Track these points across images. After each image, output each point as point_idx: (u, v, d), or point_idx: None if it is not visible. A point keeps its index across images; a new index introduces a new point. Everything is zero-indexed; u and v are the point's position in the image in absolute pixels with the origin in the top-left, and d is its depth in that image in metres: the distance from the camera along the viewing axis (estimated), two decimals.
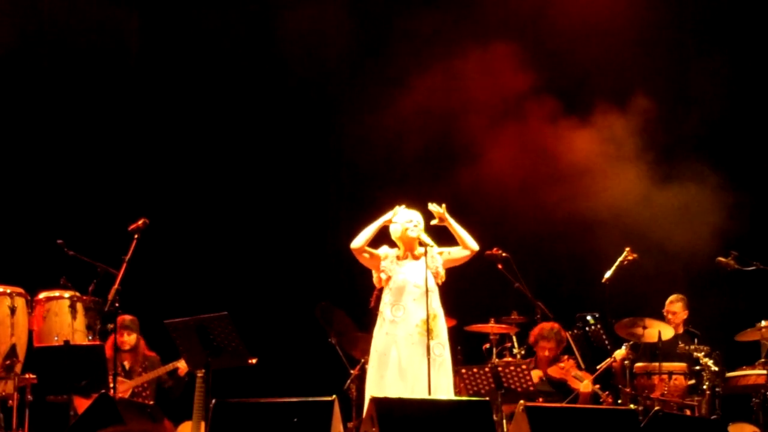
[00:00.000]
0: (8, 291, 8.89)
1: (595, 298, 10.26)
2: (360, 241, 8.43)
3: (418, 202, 8.59)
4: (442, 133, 11.80)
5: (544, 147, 11.61)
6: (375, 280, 8.53)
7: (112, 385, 8.39)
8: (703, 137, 11.51)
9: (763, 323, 9.76)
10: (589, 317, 9.98)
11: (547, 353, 10.04)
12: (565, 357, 10.08)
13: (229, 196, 11.95)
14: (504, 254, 9.89)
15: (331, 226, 12.07)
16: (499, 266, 9.93)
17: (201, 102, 11.95)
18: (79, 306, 9.07)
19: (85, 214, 11.28)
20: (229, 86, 12.05)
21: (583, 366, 9.99)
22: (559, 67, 11.75)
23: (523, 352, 10.09)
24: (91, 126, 11.66)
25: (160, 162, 11.85)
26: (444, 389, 8.25)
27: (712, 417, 9.49)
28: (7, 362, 8.65)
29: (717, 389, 9.67)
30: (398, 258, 8.50)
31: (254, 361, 8.41)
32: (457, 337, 9.45)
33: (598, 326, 9.93)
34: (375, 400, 7.16)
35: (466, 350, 10.16)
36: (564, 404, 9.46)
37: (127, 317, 9.53)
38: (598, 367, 9.98)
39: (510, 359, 9.94)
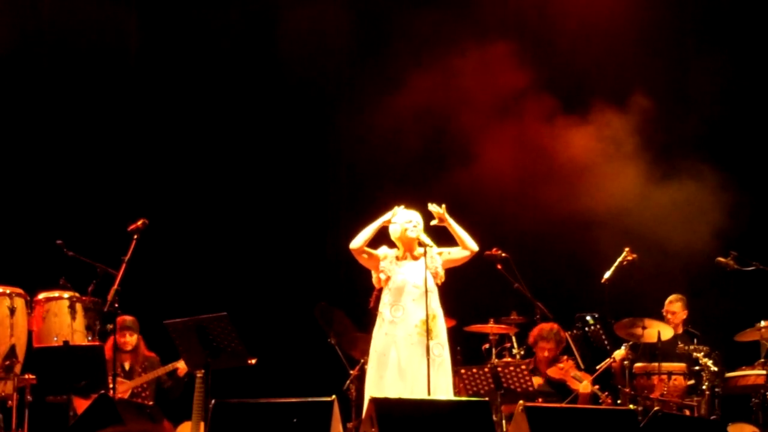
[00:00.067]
0: (7, 291, 8.88)
1: (595, 299, 10.25)
2: (359, 241, 8.43)
3: (418, 202, 8.58)
4: (441, 132, 11.81)
5: (543, 146, 11.61)
6: (374, 280, 8.53)
7: (111, 385, 8.38)
8: (703, 137, 11.50)
9: (763, 323, 9.76)
10: (588, 317, 9.98)
11: (546, 354, 10.03)
12: (565, 357, 10.08)
13: (229, 196, 11.95)
14: (503, 254, 9.88)
15: (331, 226, 12.08)
16: (499, 266, 9.93)
17: (200, 102, 11.94)
18: (78, 306, 9.06)
19: (85, 214, 11.28)
20: (228, 86, 12.04)
21: (582, 366, 9.99)
22: (559, 66, 11.75)
23: (522, 353, 10.09)
24: (90, 126, 11.66)
25: (159, 162, 11.85)
26: (443, 389, 8.25)
27: (712, 417, 9.50)
28: (7, 363, 8.63)
29: (716, 389, 9.67)
30: (397, 258, 8.50)
31: (253, 361, 8.41)
32: (456, 338, 9.45)
33: (598, 326, 9.93)
34: (374, 401, 7.16)
35: (466, 350, 10.15)
36: (563, 404, 9.46)
37: (128, 318, 9.53)
38: (597, 367, 9.97)
39: (509, 360, 9.93)
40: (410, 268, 8.45)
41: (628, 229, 10.94)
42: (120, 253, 8.71)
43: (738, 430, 9.57)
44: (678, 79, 11.81)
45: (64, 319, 9.01)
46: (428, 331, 8.22)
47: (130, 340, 9.57)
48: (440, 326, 8.39)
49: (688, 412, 9.65)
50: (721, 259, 10.17)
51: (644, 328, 9.82)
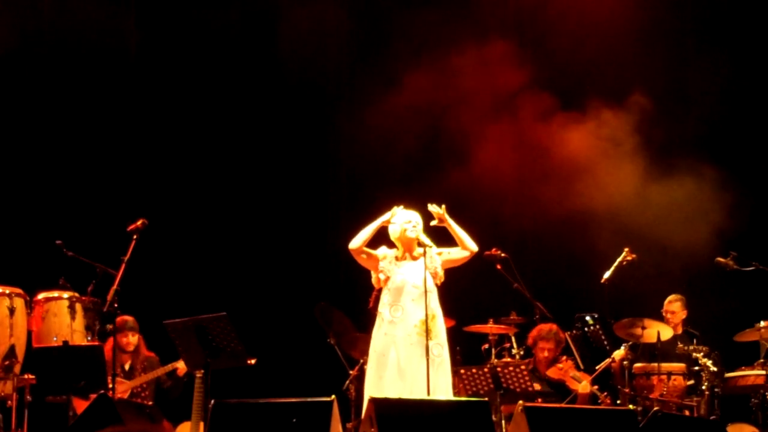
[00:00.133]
0: (7, 291, 8.87)
1: (594, 299, 10.25)
2: (358, 241, 8.43)
3: (417, 202, 8.58)
4: (441, 132, 11.80)
5: (543, 146, 11.61)
6: (374, 280, 8.53)
7: (111, 385, 8.38)
8: (703, 136, 11.51)
9: (762, 324, 9.77)
10: (588, 318, 9.97)
11: (546, 354, 10.04)
12: (564, 357, 10.08)
13: (228, 196, 11.95)
14: (503, 254, 9.88)
15: (331, 226, 12.08)
16: (498, 267, 9.93)
17: (200, 102, 11.94)
18: (78, 306, 9.06)
19: (84, 214, 11.28)
20: (228, 86, 12.04)
21: (582, 366, 9.99)
22: (558, 65, 11.75)
23: (521, 353, 10.09)
24: (90, 126, 11.65)
25: (159, 162, 11.84)
26: (443, 390, 8.25)
27: (711, 417, 9.50)
28: (6, 363, 8.63)
29: (716, 389, 9.67)
30: (397, 258, 8.50)
31: (253, 361, 8.41)
32: (455, 338, 9.45)
33: (597, 327, 9.92)
34: (374, 401, 7.16)
35: (465, 351, 10.15)
36: (563, 405, 9.46)
37: (130, 318, 9.53)
38: (596, 367, 9.97)
39: (509, 360, 9.93)
40: (409, 269, 8.45)
41: (628, 229, 10.94)
42: (119, 253, 8.71)
43: (737, 430, 9.57)
44: (678, 79, 11.81)
45: (64, 319, 9.01)
46: (428, 331, 8.23)
47: (133, 340, 9.57)
48: (440, 326, 8.38)
49: (687, 413, 9.66)
50: (720, 259, 10.17)
51: (644, 328, 9.82)
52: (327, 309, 10.21)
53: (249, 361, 8.35)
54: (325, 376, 10.22)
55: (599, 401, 9.79)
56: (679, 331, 10.27)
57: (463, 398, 8.94)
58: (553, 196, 11.39)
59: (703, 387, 9.67)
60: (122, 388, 9.27)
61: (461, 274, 8.79)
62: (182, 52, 11.98)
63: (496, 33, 11.72)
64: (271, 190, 12.02)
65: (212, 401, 7.13)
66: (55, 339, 8.85)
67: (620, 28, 11.59)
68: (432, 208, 8.47)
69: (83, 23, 11.67)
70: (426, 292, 8.27)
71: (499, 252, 9.87)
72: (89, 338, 9.09)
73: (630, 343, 9.92)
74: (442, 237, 8.56)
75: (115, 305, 8.61)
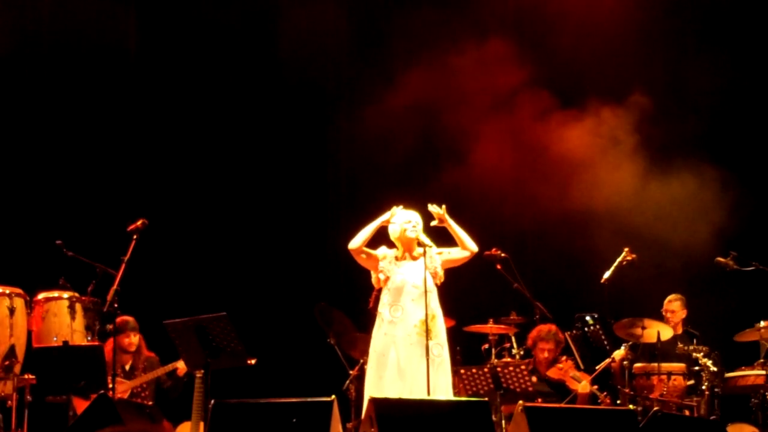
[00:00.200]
0: (7, 291, 8.87)
1: (594, 299, 10.25)
2: (357, 241, 8.43)
3: (417, 202, 8.58)
4: (442, 132, 11.80)
5: (544, 146, 11.61)
6: (374, 280, 8.53)
7: (111, 385, 8.38)
8: (702, 136, 11.50)
9: (762, 323, 9.76)
10: (588, 318, 9.98)
11: (546, 355, 10.04)
12: (564, 357, 10.08)
13: (228, 196, 11.95)
14: (503, 254, 9.88)
15: (331, 226, 12.08)
16: (498, 266, 9.93)
17: (200, 102, 11.94)
18: (78, 306, 9.05)
19: (85, 214, 11.28)
20: (227, 86, 12.04)
21: (582, 366, 9.99)
22: (558, 64, 11.75)
23: (522, 353, 10.08)
24: (90, 126, 11.65)
25: (159, 162, 11.84)
26: (443, 390, 8.25)
27: (711, 417, 9.50)
28: (6, 363, 8.63)
29: (716, 389, 9.67)
30: (397, 258, 8.50)
31: (253, 361, 8.40)
32: (455, 338, 9.45)
33: (597, 327, 9.92)
34: (374, 401, 7.16)
35: (465, 351, 10.15)
36: (563, 405, 9.46)
37: (130, 318, 9.53)
38: (596, 367, 9.97)
39: (509, 360, 9.93)
40: (409, 269, 8.44)
41: (628, 229, 10.95)
42: (119, 253, 8.71)
43: (737, 430, 9.57)
44: (678, 78, 11.80)
45: (64, 319, 9.00)
46: (427, 331, 8.22)
47: (134, 340, 9.57)
48: (439, 326, 8.38)
49: (687, 413, 9.66)
50: (720, 259, 10.17)
51: (644, 328, 9.82)
52: (327, 309, 10.21)
53: (249, 361, 8.35)
54: (325, 376, 10.22)
55: (599, 401, 9.80)
56: (679, 331, 10.28)
57: (463, 398, 8.94)
58: (553, 195, 11.39)
59: (703, 387, 9.67)
60: (122, 388, 9.27)
61: (461, 274, 8.79)
62: (182, 52, 11.98)
63: (495, 32, 11.72)
64: (271, 190, 12.02)
65: (212, 401, 7.14)
66: (55, 339, 8.85)
67: (620, 28, 11.59)
68: (432, 208, 8.47)
69: (83, 23, 11.67)
70: (426, 292, 8.27)
71: (499, 252, 9.87)
72: (89, 338, 9.08)
73: (630, 343, 9.93)
74: (442, 237, 8.56)
75: (115, 305, 8.61)
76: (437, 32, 11.87)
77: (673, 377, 9.84)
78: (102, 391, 7.94)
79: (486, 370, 9.30)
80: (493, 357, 9.91)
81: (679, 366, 9.90)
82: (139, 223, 8.85)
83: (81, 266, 9.25)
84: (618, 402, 9.70)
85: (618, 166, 11.34)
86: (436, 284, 8.44)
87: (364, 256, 8.48)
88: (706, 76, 11.51)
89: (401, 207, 8.49)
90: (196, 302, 9.34)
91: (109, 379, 8.38)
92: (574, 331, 10.00)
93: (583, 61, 11.67)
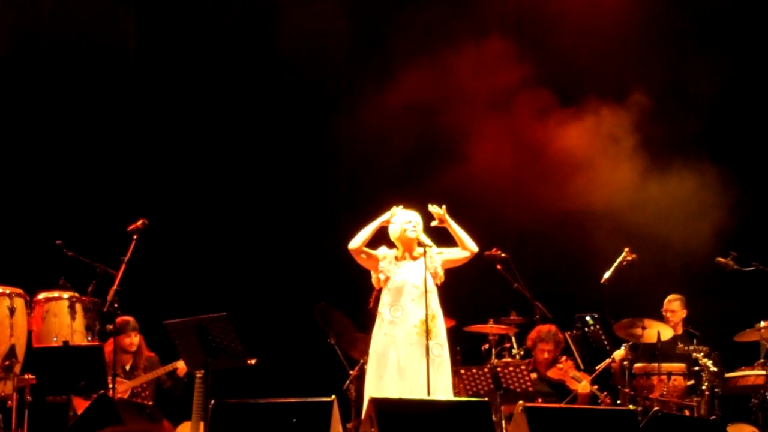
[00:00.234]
0: (7, 291, 8.87)
1: (594, 299, 10.25)
2: (357, 241, 8.43)
3: (417, 202, 8.58)
4: (442, 131, 11.80)
5: (544, 145, 11.61)
6: (374, 280, 8.52)
7: (111, 385, 8.38)
8: (702, 136, 11.51)
9: (762, 324, 9.77)
10: (588, 318, 9.98)
11: (546, 355, 10.04)
12: (564, 358, 10.08)
13: (228, 196, 11.95)
14: (503, 255, 9.88)
15: (331, 226, 12.08)
16: (498, 267, 9.93)
17: (200, 102, 11.95)
18: (78, 307, 9.05)
19: (85, 214, 11.28)
20: (227, 86, 12.04)
21: (582, 366, 9.99)
22: (558, 64, 11.75)
23: (522, 353, 10.09)
24: (90, 125, 11.65)
25: (159, 162, 11.84)
26: (443, 390, 8.25)
27: (711, 417, 9.50)
28: (6, 363, 8.63)
29: (716, 390, 9.68)
30: (397, 258, 8.49)
31: (253, 361, 8.40)
32: (456, 338, 9.45)
33: (597, 327, 9.93)
34: (374, 401, 7.15)
35: (465, 351, 10.15)
36: (563, 405, 9.46)
37: (130, 318, 9.52)
38: (596, 367, 9.98)
39: (509, 360, 9.93)
40: (409, 269, 8.44)
41: (628, 229, 10.94)
42: (119, 254, 8.71)
43: (737, 430, 9.57)
44: (677, 78, 11.80)
45: (64, 320, 9.00)
46: (427, 331, 8.22)
47: (135, 340, 9.57)
48: (440, 326, 8.38)
49: (687, 413, 9.66)
50: (720, 259, 10.17)
51: (644, 328, 9.83)
52: (327, 309, 10.21)
53: (249, 361, 8.35)
54: (325, 376, 10.22)
55: (599, 401, 9.80)
56: (680, 331, 10.28)
57: (463, 398, 8.94)
58: (554, 195, 11.39)
59: (703, 387, 9.67)
60: (122, 388, 9.27)
61: (461, 274, 8.79)
62: (182, 52, 11.98)
63: (495, 32, 11.72)
64: (271, 189, 12.02)
65: (212, 401, 7.13)
66: (55, 339, 8.85)
67: (620, 28, 11.59)
68: (432, 208, 8.47)
69: (83, 23, 11.67)
70: (426, 292, 8.27)
71: (499, 252, 9.87)
72: (89, 338, 9.08)
73: (630, 343, 9.93)
74: (442, 237, 8.56)
75: (115, 305, 8.60)
76: (437, 32, 11.87)
77: (673, 377, 9.84)
78: (102, 391, 7.94)
79: (486, 370, 9.30)
80: (493, 357, 9.91)
81: (679, 366, 9.90)
82: (139, 223, 8.85)
83: (81, 266, 9.25)
84: (618, 402, 9.70)
85: (618, 165, 11.34)
86: (436, 284, 8.44)
87: (364, 256, 8.48)
88: (706, 76, 11.52)
89: (401, 207, 8.49)
90: (196, 302, 9.33)
91: (109, 379, 8.38)
92: (574, 331, 10.01)
93: (583, 60, 11.67)
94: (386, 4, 12.21)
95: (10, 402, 8.63)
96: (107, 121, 11.73)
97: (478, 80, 11.65)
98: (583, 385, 9.86)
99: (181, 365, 9.27)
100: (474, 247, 8.51)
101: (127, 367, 9.52)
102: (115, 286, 8.58)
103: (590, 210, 11.19)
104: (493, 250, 9.84)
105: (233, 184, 11.97)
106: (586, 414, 7.74)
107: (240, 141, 12.05)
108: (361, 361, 9.67)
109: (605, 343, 9.93)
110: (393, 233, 8.51)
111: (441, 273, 8.45)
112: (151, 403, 9.35)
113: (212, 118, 11.97)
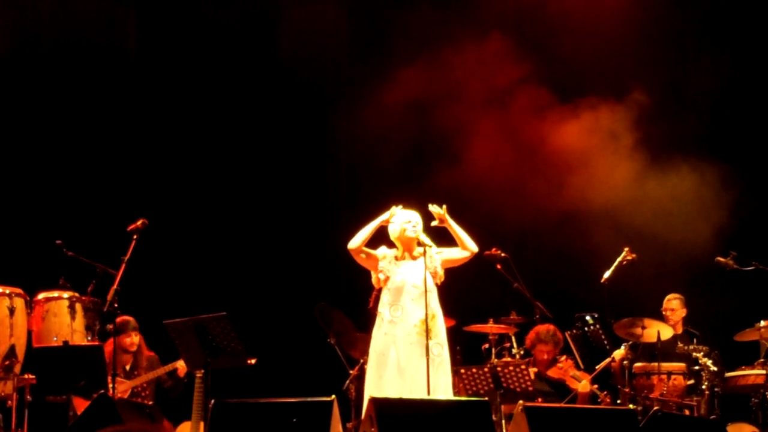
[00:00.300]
0: (7, 291, 8.87)
1: (594, 298, 10.24)
2: (357, 241, 8.43)
3: (417, 202, 8.58)
4: (442, 131, 11.79)
5: (544, 145, 11.60)
6: (374, 280, 8.53)
7: (111, 385, 8.38)
8: (703, 135, 11.51)
9: (762, 323, 9.77)
10: (588, 317, 9.97)
11: (546, 356, 10.04)
12: (564, 357, 10.08)
13: (228, 196, 11.95)
14: (503, 254, 9.88)
15: (331, 226, 12.08)
16: (498, 266, 9.93)
17: (200, 102, 11.94)
18: (78, 306, 9.05)
19: (85, 214, 11.28)
20: (227, 86, 12.04)
21: (582, 366, 9.99)
22: (558, 63, 11.74)
23: (521, 353, 10.08)
24: (90, 125, 11.65)
25: (159, 162, 11.84)
26: (443, 389, 8.25)
27: (711, 417, 9.50)
28: (6, 363, 8.63)
29: (716, 389, 9.67)
30: (396, 258, 8.49)
31: (253, 361, 8.41)
32: (456, 337, 9.45)
33: (597, 326, 9.92)
34: (374, 401, 7.16)
35: (465, 350, 10.15)
36: (563, 404, 9.46)
37: (130, 318, 9.52)
38: (596, 367, 9.97)
39: (509, 359, 9.93)
40: (409, 268, 8.44)
41: (628, 228, 10.94)
42: (119, 253, 8.71)
43: (737, 430, 9.57)
44: (677, 77, 11.81)
45: (64, 319, 9.00)
46: (427, 331, 8.22)
47: (135, 340, 9.57)
48: (439, 326, 8.38)
49: (687, 412, 9.66)
50: (720, 258, 10.17)
51: (644, 327, 9.82)
52: (327, 309, 10.21)
53: (249, 361, 8.35)
54: (325, 376, 10.22)
55: (599, 401, 9.79)
56: (679, 330, 10.28)
57: (463, 398, 8.94)
58: (554, 195, 11.39)
59: (703, 387, 9.67)
60: (122, 388, 9.27)
61: (461, 274, 8.79)
62: (182, 52, 11.98)
63: (495, 31, 11.71)
64: (271, 189, 12.02)
65: (212, 401, 7.14)
66: (55, 339, 8.85)
67: (620, 27, 11.59)
68: (433, 208, 8.47)
69: (83, 23, 11.67)
70: (426, 291, 8.27)
71: (499, 252, 9.87)
72: (89, 338, 9.08)
73: (630, 342, 9.93)
74: (442, 237, 8.56)
75: (115, 305, 8.60)
76: (437, 32, 11.86)
77: (673, 377, 9.84)
78: (102, 391, 7.95)
79: (486, 369, 9.30)
80: (493, 357, 9.91)
81: (679, 366, 9.90)
82: (139, 223, 8.85)
83: (81, 266, 9.25)
84: (618, 402, 9.70)
85: (618, 165, 11.34)
86: (436, 284, 8.44)
87: (363, 255, 8.48)
88: (706, 76, 11.52)
89: (401, 207, 8.49)
90: (196, 302, 9.33)
91: (109, 379, 8.38)
92: (574, 331, 10.00)
93: (582, 60, 11.66)
94: (386, 4, 12.21)
95: (10, 402, 8.63)
96: (107, 121, 11.73)
97: (478, 80, 11.65)
98: (583, 385, 9.86)
99: (181, 365, 9.27)
100: (474, 247, 8.51)
101: (128, 367, 9.52)
102: (115, 286, 8.58)
103: (590, 210, 11.19)
104: (493, 249, 9.85)
105: (233, 184, 11.97)
106: (586, 413, 7.75)
107: (240, 141, 12.05)
108: (361, 360, 9.67)
109: (605, 342, 9.92)
110: (393, 233, 8.51)
111: (441, 273, 8.45)
112: (151, 402, 9.35)
113: (212, 118, 11.97)
